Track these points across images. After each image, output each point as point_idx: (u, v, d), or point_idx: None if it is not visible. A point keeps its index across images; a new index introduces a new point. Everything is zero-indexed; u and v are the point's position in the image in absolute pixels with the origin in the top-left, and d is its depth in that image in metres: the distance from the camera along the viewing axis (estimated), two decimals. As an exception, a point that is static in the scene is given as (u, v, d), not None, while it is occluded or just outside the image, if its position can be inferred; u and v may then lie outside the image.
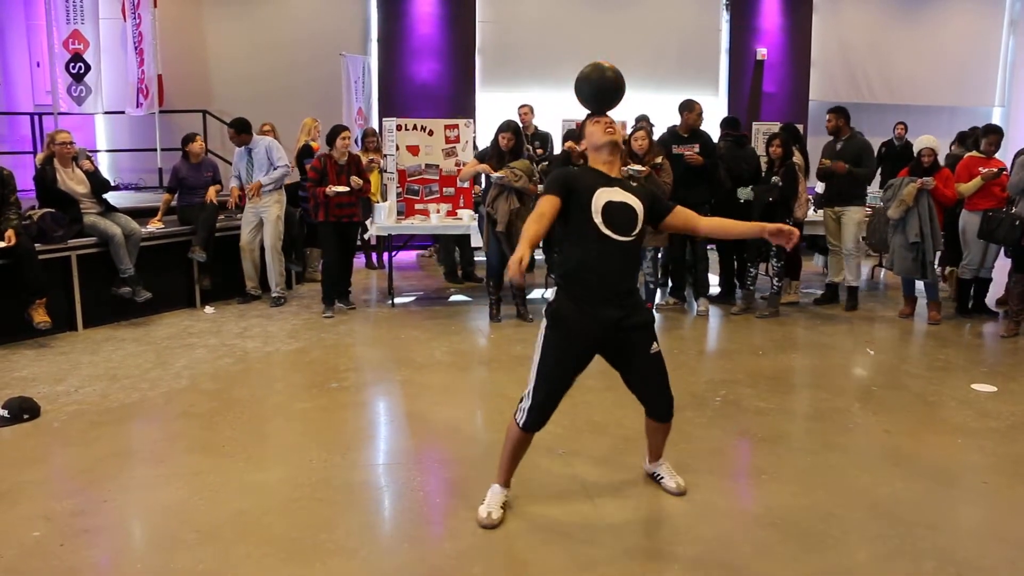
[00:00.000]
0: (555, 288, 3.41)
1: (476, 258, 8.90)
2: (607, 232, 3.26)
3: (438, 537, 3.32)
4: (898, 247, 6.91)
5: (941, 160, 7.15)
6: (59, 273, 6.44)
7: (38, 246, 6.20)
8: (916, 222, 6.73)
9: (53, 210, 6.42)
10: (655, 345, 3.44)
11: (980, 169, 6.80)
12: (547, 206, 3.23)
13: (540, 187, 7.16)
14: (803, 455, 4.15)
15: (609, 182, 3.35)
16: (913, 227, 6.74)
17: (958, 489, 3.78)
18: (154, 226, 7.35)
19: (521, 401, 3.40)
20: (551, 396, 3.35)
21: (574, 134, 7.06)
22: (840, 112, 7.30)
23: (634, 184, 3.47)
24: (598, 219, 3.26)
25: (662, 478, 3.74)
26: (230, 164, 8.36)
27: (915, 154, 6.98)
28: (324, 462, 4.01)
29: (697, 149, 7.07)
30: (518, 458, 3.51)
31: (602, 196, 3.29)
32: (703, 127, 7.56)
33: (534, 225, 3.15)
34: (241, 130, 7.47)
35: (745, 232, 3.74)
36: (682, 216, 3.49)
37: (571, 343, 3.33)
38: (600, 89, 3.40)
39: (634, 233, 3.32)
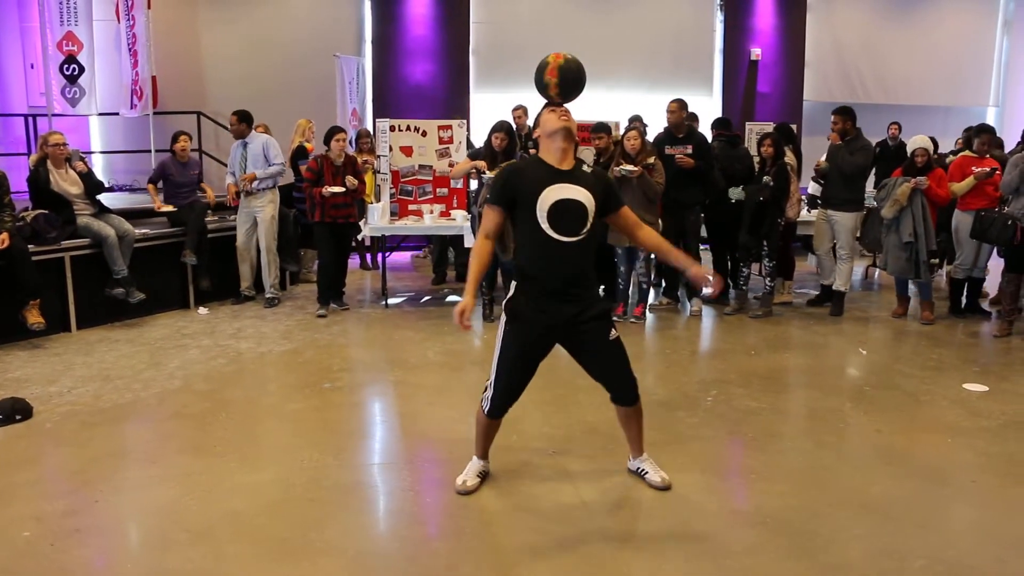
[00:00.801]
0: (513, 284, 3.46)
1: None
2: (553, 235, 3.30)
3: (428, 537, 3.32)
4: (892, 247, 6.92)
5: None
6: (53, 274, 6.44)
7: (31, 247, 6.20)
8: (910, 222, 6.74)
9: (46, 211, 6.42)
10: (613, 331, 3.50)
11: (973, 169, 6.81)
12: (491, 223, 3.37)
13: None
14: (794, 454, 4.17)
15: (558, 176, 3.34)
16: (907, 227, 6.75)
17: (949, 488, 3.79)
18: (163, 208, 7.52)
19: (485, 390, 3.58)
20: (512, 386, 3.52)
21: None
22: (847, 114, 7.15)
23: (587, 169, 3.45)
24: (544, 224, 3.30)
25: (646, 473, 3.76)
26: (225, 165, 8.35)
27: (908, 154, 6.98)
28: (316, 462, 4.01)
29: (690, 150, 7.04)
30: (490, 437, 3.72)
31: (549, 196, 3.29)
32: (699, 128, 7.56)
33: (476, 261, 3.36)
34: (243, 119, 7.48)
35: (676, 261, 3.63)
36: (627, 219, 3.54)
37: (528, 336, 3.43)
38: (561, 80, 3.41)
39: (583, 232, 3.35)
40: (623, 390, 3.59)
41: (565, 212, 3.29)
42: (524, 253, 3.39)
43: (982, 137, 6.96)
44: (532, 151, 8.69)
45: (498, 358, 3.49)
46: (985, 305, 7.49)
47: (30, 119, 10.46)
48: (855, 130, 7.16)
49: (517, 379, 3.50)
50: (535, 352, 3.48)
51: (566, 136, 3.34)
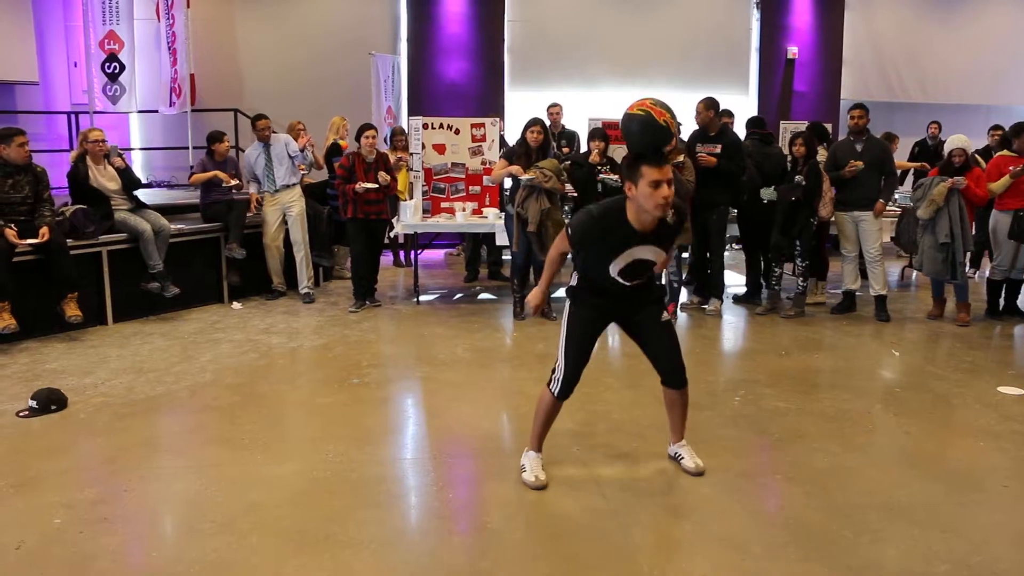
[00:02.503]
0: (575, 275, 3.66)
1: (504, 257, 8.93)
2: (620, 280, 3.50)
3: (448, 531, 3.34)
4: (928, 248, 6.80)
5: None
6: (90, 268, 6.58)
7: (70, 242, 6.34)
8: (946, 222, 6.62)
9: (85, 206, 6.55)
10: (665, 314, 3.69)
11: (1011, 168, 6.67)
12: (565, 249, 3.53)
13: (568, 187, 7.16)
14: (820, 456, 4.12)
15: (641, 239, 3.39)
16: (943, 228, 6.64)
17: (978, 493, 3.72)
18: (232, 182, 7.60)
19: (553, 372, 3.67)
20: (578, 366, 3.62)
21: (599, 132, 7.06)
22: (867, 110, 7.12)
23: (669, 220, 3.42)
24: (615, 272, 3.46)
25: (683, 458, 3.88)
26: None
27: (945, 154, 6.86)
28: (341, 456, 4.05)
29: (718, 150, 6.96)
30: (550, 424, 3.79)
31: (627, 256, 3.42)
32: (733, 125, 7.45)
33: (550, 268, 3.63)
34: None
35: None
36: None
37: (591, 317, 3.61)
38: (664, 108, 3.43)
39: (646, 276, 3.58)
40: (673, 371, 3.72)
41: (636, 267, 3.47)
42: (589, 277, 3.57)
43: (1022, 136, 6.79)
44: (565, 149, 8.73)
45: (565, 338, 3.61)
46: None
47: (73, 116, 10.69)
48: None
49: (581, 358, 3.61)
50: (595, 331, 3.65)
51: (655, 219, 3.35)
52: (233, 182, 7.58)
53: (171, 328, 6.67)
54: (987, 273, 7.56)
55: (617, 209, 3.38)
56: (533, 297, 3.63)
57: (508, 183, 7.32)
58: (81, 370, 5.47)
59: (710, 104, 7.08)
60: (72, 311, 6.17)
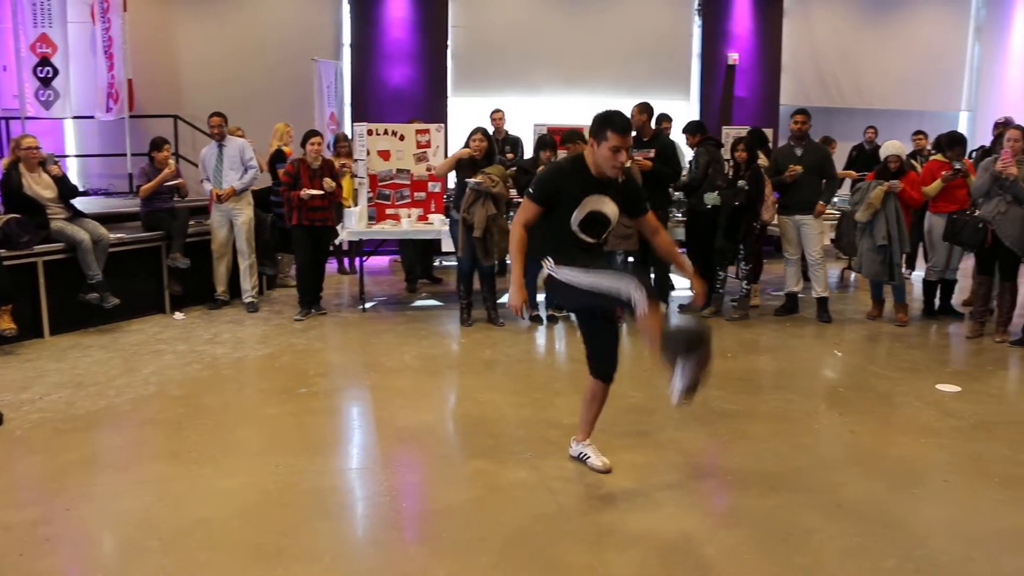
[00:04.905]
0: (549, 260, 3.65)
1: (446, 263, 8.88)
2: (581, 236, 3.59)
3: (403, 541, 3.32)
4: (866, 250, 6.97)
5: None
6: (25, 279, 6.37)
7: (3, 252, 6.13)
8: (883, 225, 6.80)
9: (19, 216, 6.35)
10: (619, 311, 3.75)
11: (943, 173, 6.87)
12: (530, 216, 3.61)
13: (513, 192, 7.18)
14: (768, 456, 4.19)
15: (596, 187, 3.57)
16: (880, 230, 6.81)
17: (920, 488, 3.83)
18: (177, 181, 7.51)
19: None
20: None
21: (547, 141, 7.08)
22: (809, 115, 7.29)
23: (621, 181, 3.63)
24: (576, 227, 3.57)
25: (588, 458, 3.97)
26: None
27: (882, 160, 7.04)
28: (291, 467, 3.99)
29: (653, 154, 7.04)
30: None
31: (587, 206, 3.55)
32: (671, 128, 7.52)
33: (517, 249, 3.58)
34: (225, 120, 7.54)
35: (681, 268, 4.13)
36: (649, 224, 3.84)
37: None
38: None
39: (603, 238, 3.70)
40: (610, 363, 3.81)
41: (594, 223, 3.59)
42: (551, 240, 3.62)
43: (955, 149, 6.96)
44: (509, 155, 8.74)
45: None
46: (958, 306, 7.54)
47: (3, 122, 10.35)
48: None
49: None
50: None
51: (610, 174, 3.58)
52: (178, 180, 7.45)
53: (111, 340, 6.50)
54: (923, 274, 7.78)
55: (579, 158, 3.64)
56: (513, 298, 3.57)
57: (452, 181, 7.28)
58: (17, 385, 5.29)
59: (643, 109, 7.16)
60: (6, 324, 5.97)
